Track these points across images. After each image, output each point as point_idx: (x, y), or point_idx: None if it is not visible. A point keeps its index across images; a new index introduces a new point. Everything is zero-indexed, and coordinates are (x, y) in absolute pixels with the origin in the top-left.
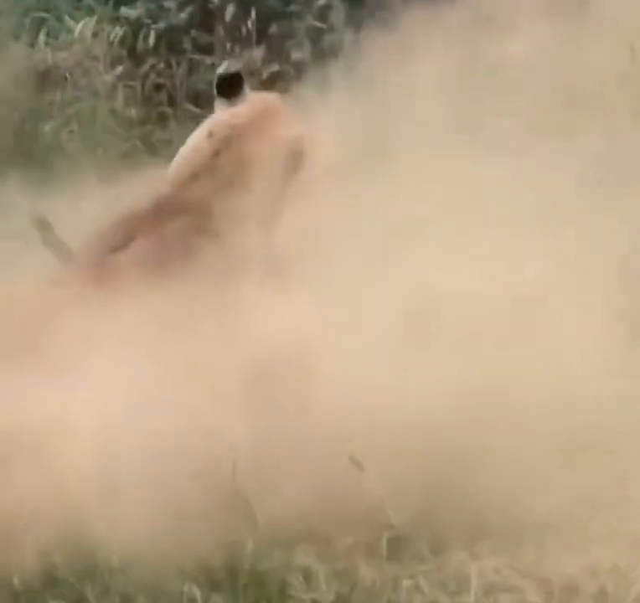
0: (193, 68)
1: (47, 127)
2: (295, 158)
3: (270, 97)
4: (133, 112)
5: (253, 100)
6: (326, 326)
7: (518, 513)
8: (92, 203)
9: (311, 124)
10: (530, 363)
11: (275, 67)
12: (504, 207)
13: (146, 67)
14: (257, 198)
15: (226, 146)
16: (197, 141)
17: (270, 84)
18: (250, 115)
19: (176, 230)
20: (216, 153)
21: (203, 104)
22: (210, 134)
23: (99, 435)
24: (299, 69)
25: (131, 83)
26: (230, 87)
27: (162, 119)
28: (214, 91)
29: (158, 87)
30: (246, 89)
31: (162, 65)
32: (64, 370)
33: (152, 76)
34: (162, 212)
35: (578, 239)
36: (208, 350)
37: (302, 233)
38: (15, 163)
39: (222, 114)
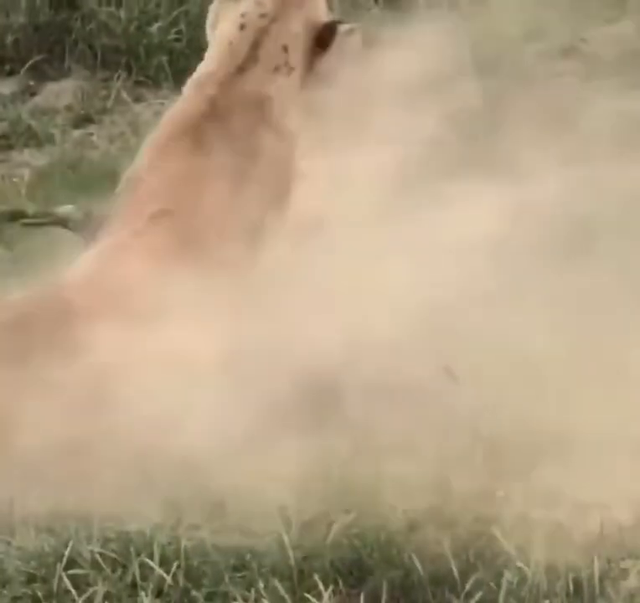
0: None
1: (154, 28)
2: (324, 39)
3: None
4: None
5: None
6: None
7: (612, 431)
8: None
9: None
10: None
11: None
12: None
13: None
14: (300, 78)
15: (264, 34)
16: (228, 36)
17: None
18: (275, 2)
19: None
20: (256, 44)
21: None
22: (242, 26)
23: None
24: None
25: None
26: None
27: None
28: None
29: None
30: None
31: None
32: None
33: None
34: (221, 110)
35: None
36: None
37: None
38: (121, 63)
39: (246, 4)
